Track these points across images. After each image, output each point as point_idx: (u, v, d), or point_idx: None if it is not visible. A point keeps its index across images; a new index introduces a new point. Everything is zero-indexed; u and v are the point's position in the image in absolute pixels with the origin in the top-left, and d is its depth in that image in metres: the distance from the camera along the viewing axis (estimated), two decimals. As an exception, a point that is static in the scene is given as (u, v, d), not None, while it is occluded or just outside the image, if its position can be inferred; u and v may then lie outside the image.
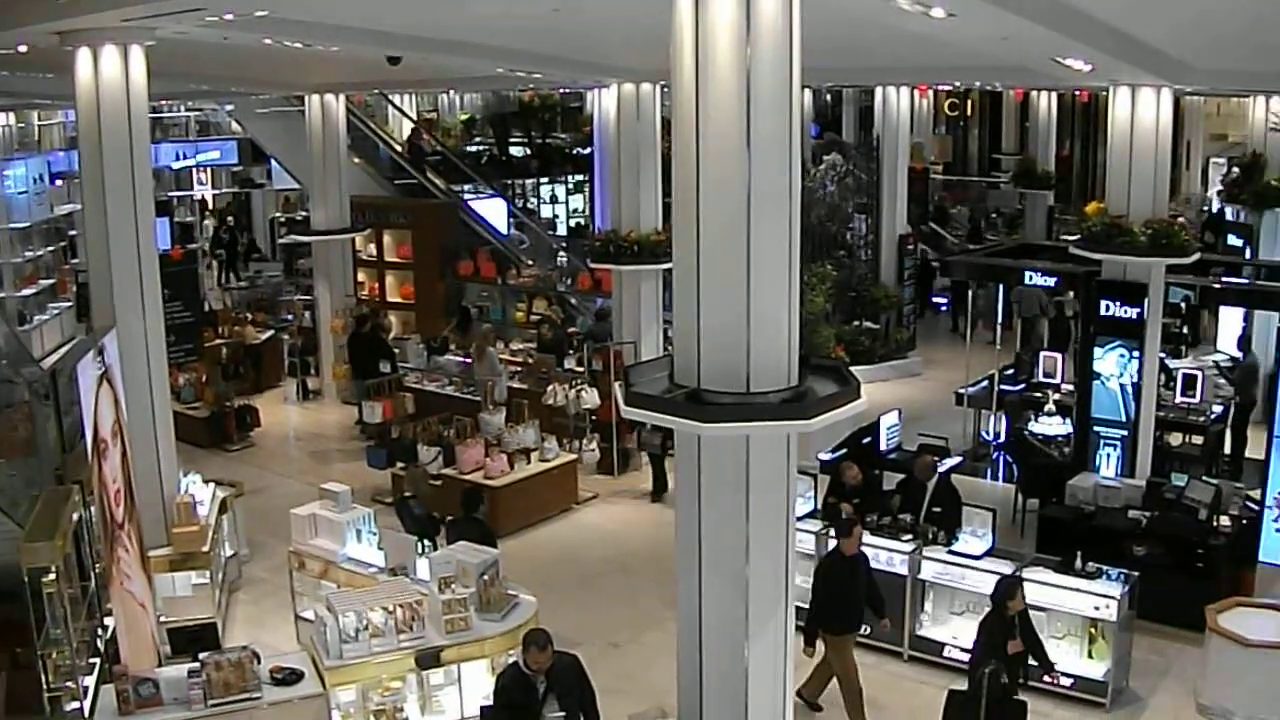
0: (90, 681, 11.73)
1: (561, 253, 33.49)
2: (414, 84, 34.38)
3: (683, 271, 9.32)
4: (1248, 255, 26.94)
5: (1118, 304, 18.27)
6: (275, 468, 23.48)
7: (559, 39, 19.22)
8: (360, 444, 23.65)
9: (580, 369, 24.14)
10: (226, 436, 24.68)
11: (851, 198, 30.74)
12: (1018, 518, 19.55)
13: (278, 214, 41.23)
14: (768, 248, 8.97)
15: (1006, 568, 15.00)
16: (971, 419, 23.73)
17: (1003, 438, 22.57)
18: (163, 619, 15.05)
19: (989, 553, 15.41)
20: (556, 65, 22.23)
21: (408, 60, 20.45)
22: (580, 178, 42.30)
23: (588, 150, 37.43)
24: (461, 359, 25.60)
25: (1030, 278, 22.27)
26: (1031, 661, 13.32)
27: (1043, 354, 23.26)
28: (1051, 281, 22.02)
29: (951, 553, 15.50)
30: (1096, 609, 14.52)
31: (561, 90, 41.56)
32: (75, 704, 11.17)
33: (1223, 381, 22.95)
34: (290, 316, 31.05)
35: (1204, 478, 17.88)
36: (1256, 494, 17.24)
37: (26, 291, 29.20)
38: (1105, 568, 14.93)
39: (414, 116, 41.78)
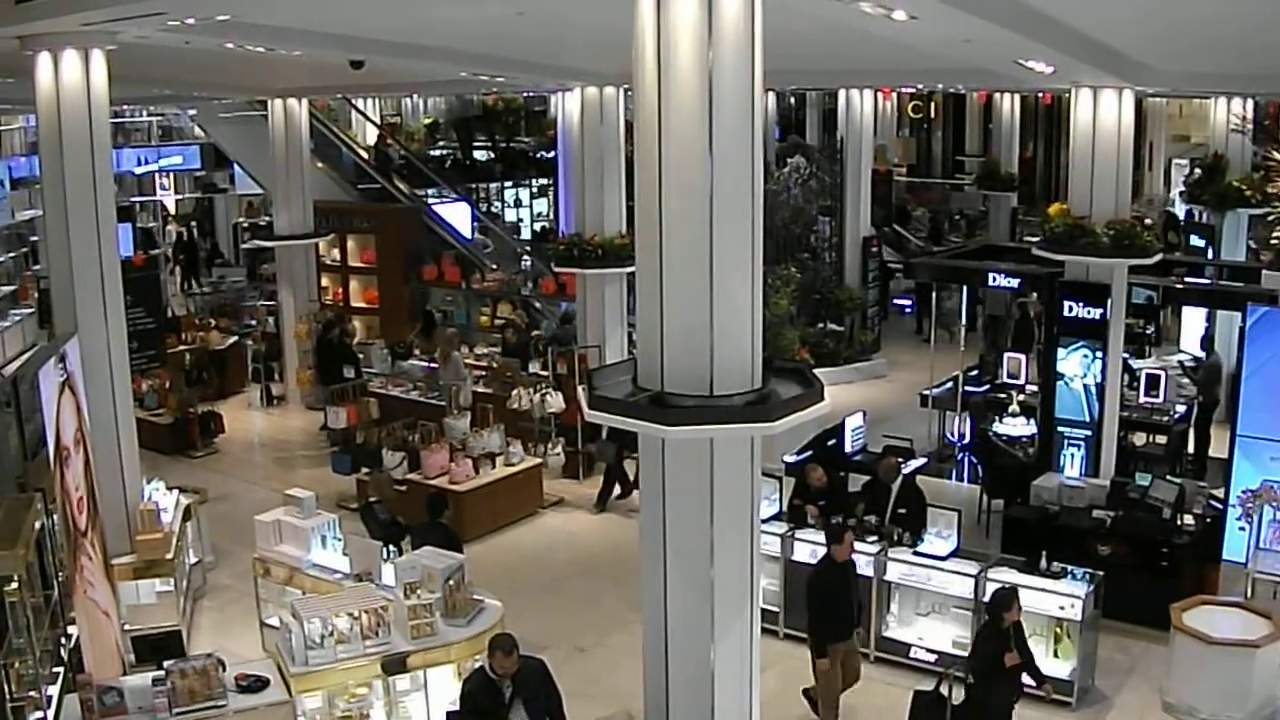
0: (54, 691, 11.65)
1: (525, 257, 33.44)
2: (377, 88, 34.29)
3: (646, 275, 9.31)
4: (1210, 256, 27.08)
5: (1081, 305, 18.34)
6: (239, 474, 23.39)
7: (522, 42, 19.19)
8: (325, 449, 23.59)
9: (545, 373, 24.13)
10: (190, 443, 24.57)
11: (815, 200, 30.78)
12: (983, 518, 19.62)
13: (241, 219, 41.03)
14: (730, 250, 8.97)
15: (972, 568, 15.07)
16: (936, 420, 23.80)
17: (967, 439, 22.65)
18: (127, 627, 14.96)
19: (954, 554, 15.44)
20: (520, 69, 22.20)
21: (371, 64, 20.39)
22: (544, 181, 42.28)
23: (552, 154, 37.43)
24: (426, 364, 25.56)
25: (993, 279, 22.33)
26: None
27: (1007, 355, 23.32)
28: (1015, 283, 22.09)
29: (917, 554, 15.53)
30: (1062, 609, 14.56)
31: (525, 94, 41.53)
32: (39, 714, 11.08)
33: (1186, 381, 23.06)
34: (254, 322, 30.93)
35: (1168, 477, 17.97)
36: (1220, 493, 17.32)
37: (-13, 298, 29.03)
38: (1070, 567, 14.99)
39: (377, 121, 41.68)
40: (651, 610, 10.07)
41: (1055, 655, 14.69)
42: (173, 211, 41.60)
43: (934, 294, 28.06)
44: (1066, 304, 18.48)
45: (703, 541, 9.62)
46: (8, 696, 10.92)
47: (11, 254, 30.59)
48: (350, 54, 19.25)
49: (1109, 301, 18.16)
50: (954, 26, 12.33)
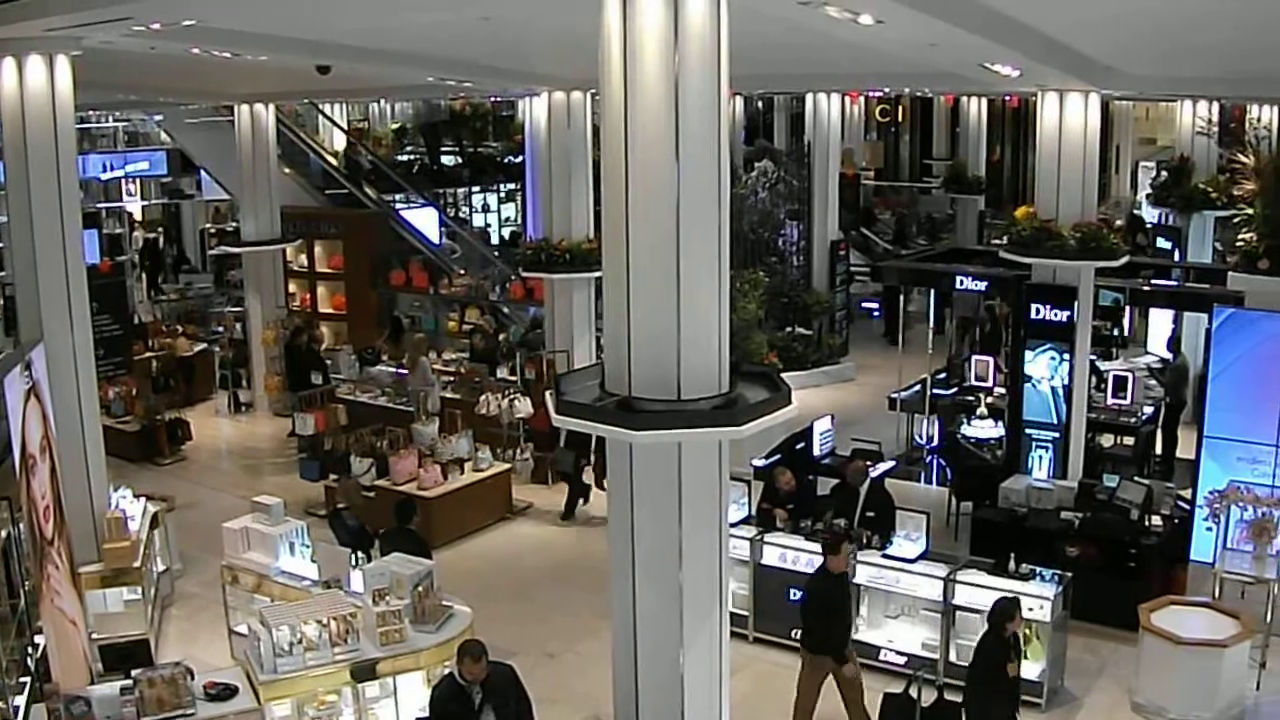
0: (21, 701, 11.62)
1: (494, 262, 33.40)
2: (345, 93, 34.22)
3: (613, 279, 9.29)
4: (1176, 258, 27.20)
5: (1048, 307, 18.39)
6: (207, 481, 23.30)
7: (489, 47, 19.16)
8: (293, 456, 23.52)
9: (513, 378, 24.11)
10: (157, 450, 24.46)
11: (783, 204, 30.82)
12: (951, 520, 19.66)
13: (208, 225, 40.87)
14: (697, 255, 8.96)
15: (940, 570, 15.10)
16: (904, 423, 23.86)
17: (936, 441, 22.72)
18: (94, 636, 14.89)
19: (923, 556, 15.48)
20: (487, 74, 22.18)
21: (338, 69, 20.35)
22: (512, 186, 42.22)
23: (519, 159, 37.38)
24: (394, 369, 25.51)
25: (961, 282, 22.40)
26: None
27: (974, 358, 23.38)
28: (982, 286, 22.16)
29: (886, 557, 15.55)
30: (1030, 610, 14.54)
31: (493, 99, 41.44)
32: (6, 723, 11.07)
33: (1153, 383, 23.16)
34: (221, 329, 30.82)
35: (1135, 478, 18.04)
36: (1187, 494, 17.43)
37: (-49, 305, 28.90)
38: (1039, 569, 15.04)
39: (345, 126, 41.57)
40: (620, 615, 10.05)
41: (1024, 656, 14.71)
42: (139, 218, 41.44)
43: (901, 297, 28.11)
44: (1033, 306, 18.54)
45: (671, 546, 9.59)
46: (-26, 706, 10.90)
47: (-24, 261, 30.47)
48: (317, 59, 19.23)
49: (1076, 304, 18.22)
50: (920, 30, 12.35)
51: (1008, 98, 42.85)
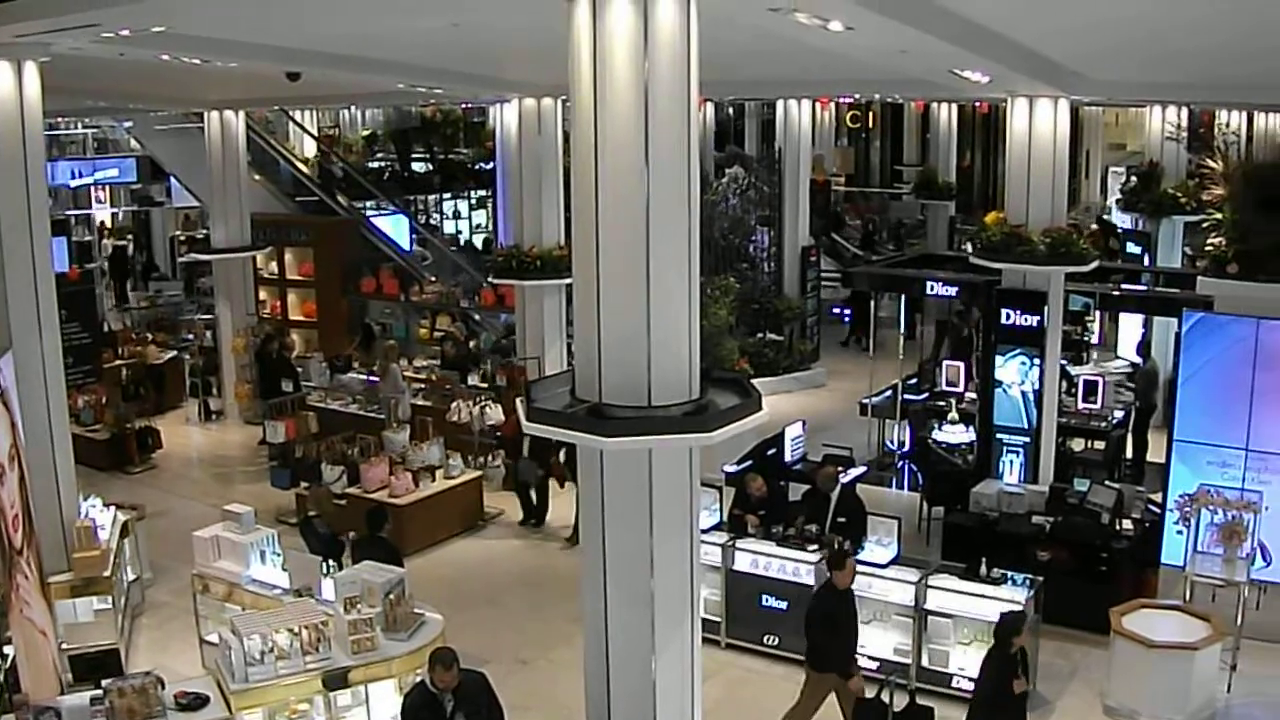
0: (-11, 711, 11.55)
1: (466, 269, 33.37)
2: (315, 100, 34.16)
3: (583, 286, 9.30)
4: (1146, 262, 27.29)
5: (1018, 312, 18.44)
6: (178, 490, 23.21)
7: (459, 54, 19.16)
8: (263, 464, 23.43)
9: (484, 385, 24.07)
10: (127, 459, 24.34)
11: (754, 210, 30.86)
12: (923, 525, 19.70)
13: (178, 232, 40.76)
14: (667, 261, 8.97)
15: (912, 575, 15.11)
16: (876, 428, 23.89)
17: (907, 446, 22.76)
18: (64, 646, 14.80)
19: (894, 561, 15.50)
20: (457, 80, 22.17)
21: (308, 76, 20.30)
22: (483, 193, 42.18)
23: (490, 165, 37.35)
24: (365, 377, 25.45)
25: (931, 287, 22.45)
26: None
27: (945, 363, 23.41)
28: (953, 291, 22.21)
29: (857, 562, 15.53)
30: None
31: (464, 105, 41.42)
32: (-26, 735, 11.00)
33: (1124, 387, 23.23)
34: (191, 336, 30.73)
35: (1106, 482, 18.07)
36: (1158, 497, 17.47)
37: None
38: (1010, 573, 15.06)
39: (315, 133, 41.49)
40: (592, 622, 10.05)
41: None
42: (108, 225, 41.30)
43: (872, 302, 28.16)
44: (1004, 312, 18.58)
45: (642, 552, 9.60)
46: (-57, 717, 10.83)
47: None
48: (287, 65, 19.17)
49: (1046, 309, 18.27)
50: (889, 37, 12.40)
51: (978, 104, 42.99)
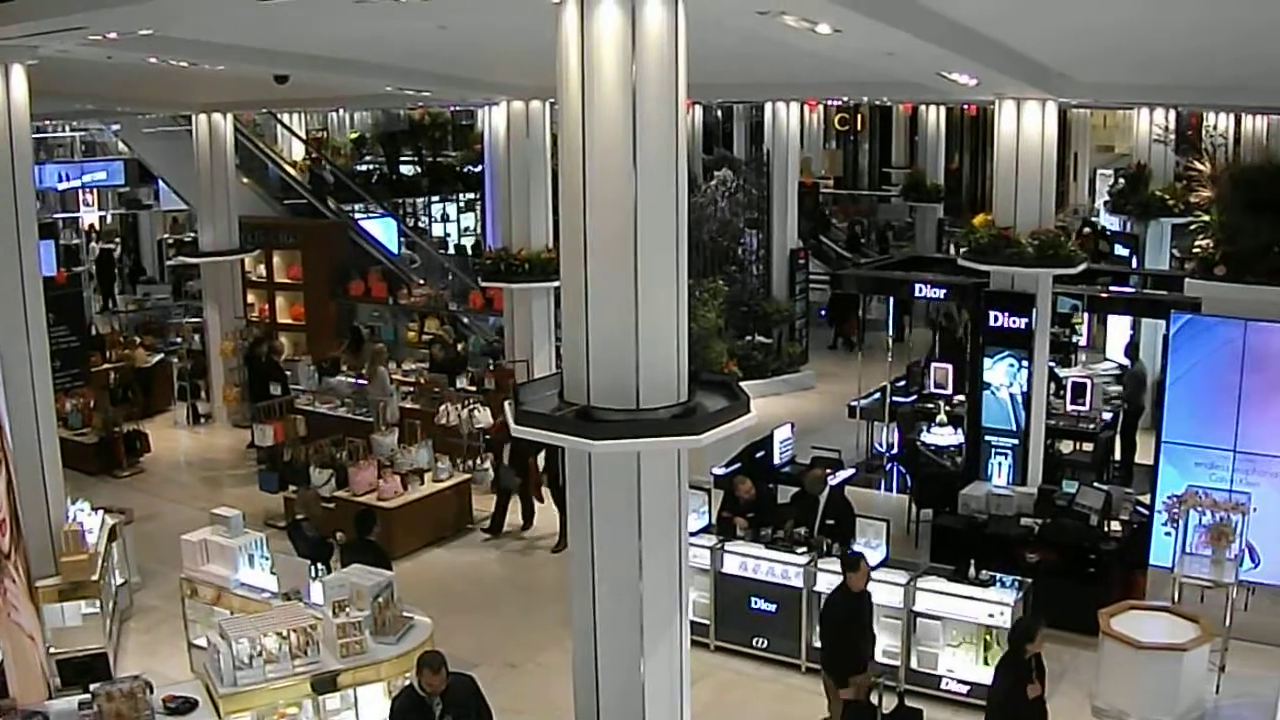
0: (-23, 716, 11.53)
1: (455, 272, 33.36)
2: (303, 103, 34.12)
3: (571, 288, 9.30)
4: (1134, 264, 27.34)
5: (1006, 314, 18.45)
6: (166, 493, 23.18)
7: (447, 57, 19.14)
8: (252, 468, 23.41)
9: (473, 388, 24.06)
10: (115, 462, 24.30)
11: (742, 213, 30.88)
12: (912, 528, 19.73)
13: (166, 235, 40.72)
14: (655, 264, 8.97)
15: (901, 577, 15.12)
16: (864, 431, 23.92)
17: (895, 449, 22.77)
18: (52, 650, 14.74)
19: (883, 563, 15.50)
20: (445, 83, 22.14)
21: (296, 79, 20.27)
22: (471, 196, 42.17)
23: (479, 168, 37.33)
24: (354, 380, 25.42)
25: (919, 289, 22.47)
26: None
27: (934, 365, 23.44)
28: (941, 293, 22.23)
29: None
30: (991, 616, 14.64)
31: (452, 108, 41.41)
32: (-39, 740, 10.97)
33: (1112, 389, 23.26)
34: (179, 339, 30.64)
35: (1094, 484, 18.08)
36: (1146, 499, 17.48)
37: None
38: (999, 575, 15.08)
39: (303, 136, 41.46)
40: (581, 624, 10.05)
41: (985, 663, 14.75)
42: (97, 228, 41.24)
43: (860, 304, 28.21)
44: (992, 314, 18.59)
45: (631, 555, 9.60)
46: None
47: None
48: (275, 68, 19.14)
49: (1034, 311, 18.28)
50: (877, 39, 12.39)
51: (966, 106, 43.01)
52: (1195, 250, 16.92)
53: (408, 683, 11.70)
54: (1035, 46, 15.47)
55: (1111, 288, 23.04)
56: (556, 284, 21.02)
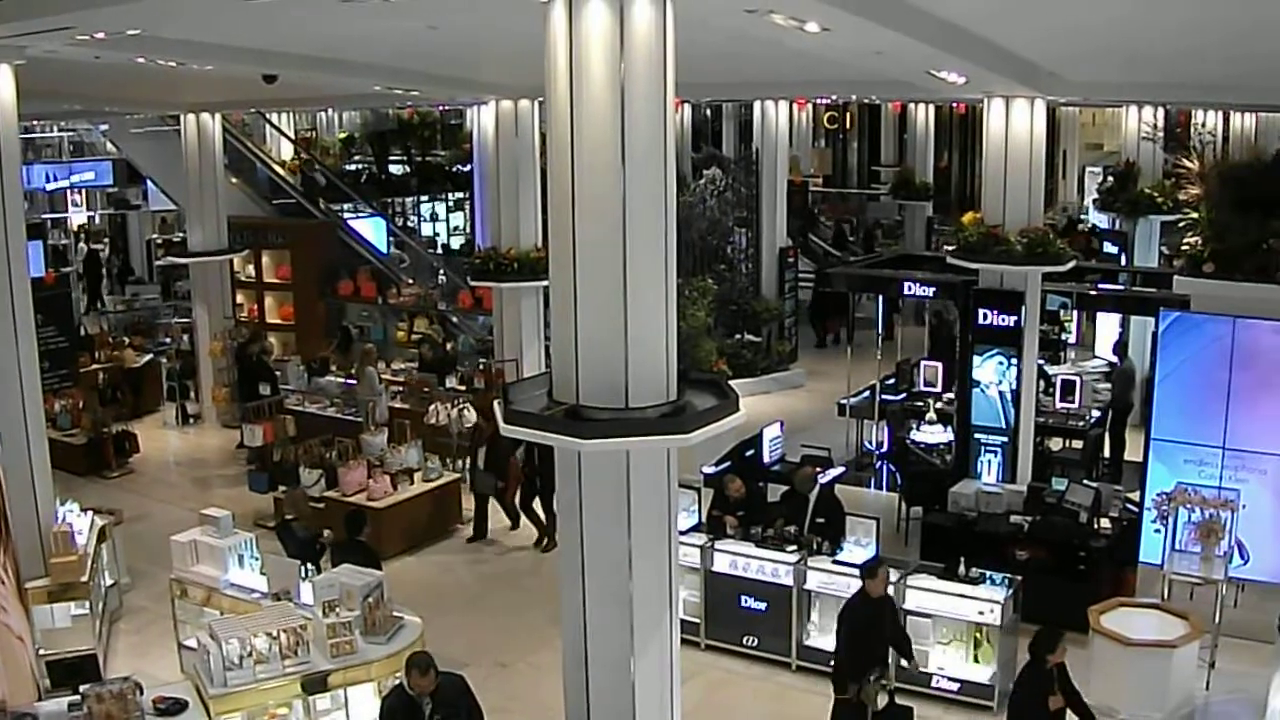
0: (-35, 717, 11.50)
1: (442, 272, 33.33)
2: (292, 102, 34.09)
3: (560, 288, 9.30)
4: (1123, 262, 27.35)
5: (995, 312, 18.47)
6: (155, 494, 23.14)
7: (436, 56, 19.13)
8: (241, 468, 23.38)
9: (462, 387, 24.04)
10: (104, 463, 24.26)
11: (731, 212, 30.88)
12: (901, 526, 19.72)
13: (154, 235, 40.66)
14: (644, 262, 8.97)
15: (891, 575, 15.09)
16: (854, 429, 23.93)
17: (885, 447, 22.78)
18: (41, 651, 14.70)
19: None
20: (434, 82, 22.11)
21: (285, 78, 20.26)
22: (460, 195, 42.13)
23: (468, 167, 37.30)
24: (343, 380, 25.40)
25: (909, 288, 22.47)
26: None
27: (923, 363, 23.45)
28: (930, 291, 22.23)
29: (836, 562, 15.56)
30: (981, 613, 14.66)
31: (441, 107, 41.37)
32: (-50, 742, 10.95)
33: (1102, 386, 23.28)
34: (168, 340, 30.58)
35: (1084, 481, 18.07)
36: (1135, 496, 17.48)
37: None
38: (989, 572, 15.09)
39: (292, 135, 41.40)
40: (571, 623, 10.05)
41: (976, 660, 14.80)
42: (86, 228, 41.20)
43: (850, 302, 28.20)
44: (981, 312, 18.61)
45: (621, 554, 9.61)
46: (-82, 724, 10.79)
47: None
48: (263, 68, 19.11)
49: (1023, 309, 18.30)
50: (866, 38, 12.40)
51: (955, 104, 43.04)
52: (1184, 248, 16.95)
53: (398, 682, 11.71)
54: (1024, 45, 15.49)
55: (1100, 285, 23.04)
56: (546, 283, 20.94)
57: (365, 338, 29.58)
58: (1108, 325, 26.18)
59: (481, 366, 24.45)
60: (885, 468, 22.74)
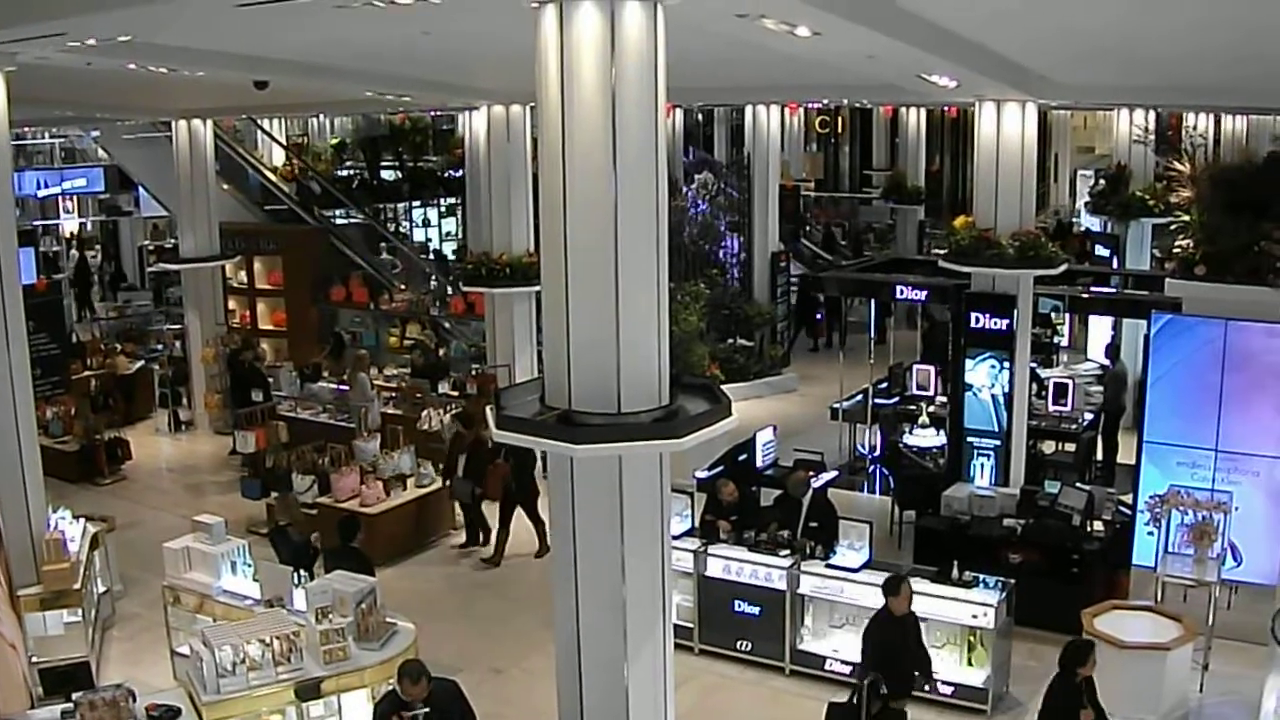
0: (-42, 725, 11.49)
1: (434, 277, 33.32)
2: (284, 108, 34.03)
3: (551, 293, 9.28)
4: (1115, 265, 27.39)
5: (987, 316, 18.48)
6: (148, 501, 23.11)
7: (428, 62, 19.10)
8: (234, 474, 23.34)
9: (455, 393, 24.02)
10: (97, 470, 24.22)
11: (723, 216, 30.92)
12: (895, 529, 19.75)
13: (146, 242, 40.64)
14: (636, 267, 8.95)
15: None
16: (847, 433, 23.93)
17: (878, 451, 22.79)
18: (34, 659, 14.73)
19: (866, 565, 15.51)
20: (426, 88, 22.11)
21: (276, 84, 20.25)
22: (452, 200, 42.10)
23: (460, 173, 37.28)
24: (335, 386, 25.37)
25: (900, 291, 22.50)
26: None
27: (916, 367, 23.47)
28: (922, 295, 22.25)
29: (830, 566, 15.59)
30: (975, 617, 14.67)
31: (433, 113, 41.34)
32: (-58, 750, 10.94)
33: (1094, 389, 23.31)
34: (160, 346, 30.60)
35: (1077, 484, 18.10)
36: (1128, 499, 17.50)
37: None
38: (982, 576, 15.09)
39: (284, 141, 41.36)
40: (564, 629, 10.03)
41: (969, 664, 14.81)
42: (77, 235, 41.16)
43: (842, 305, 28.25)
44: (973, 315, 18.62)
45: (614, 559, 9.58)
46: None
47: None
48: (254, 74, 19.12)
49: (1015, 312, 18.32)
50: (857, 42, 12.39)
51: (946, 108, 43.08)
52: (1175, 250, 16.96)
53: (389, 689, 11.69)
54: (1015, 48, 15.49)
55: (1092, 288, 23.08)
56: (537, 288, 20.94)
57: (358, 344, 29.55)
58: (1100, 328, 26.19)
59: (474, 372, 24.42)
60: (878, 472, 22.76)
